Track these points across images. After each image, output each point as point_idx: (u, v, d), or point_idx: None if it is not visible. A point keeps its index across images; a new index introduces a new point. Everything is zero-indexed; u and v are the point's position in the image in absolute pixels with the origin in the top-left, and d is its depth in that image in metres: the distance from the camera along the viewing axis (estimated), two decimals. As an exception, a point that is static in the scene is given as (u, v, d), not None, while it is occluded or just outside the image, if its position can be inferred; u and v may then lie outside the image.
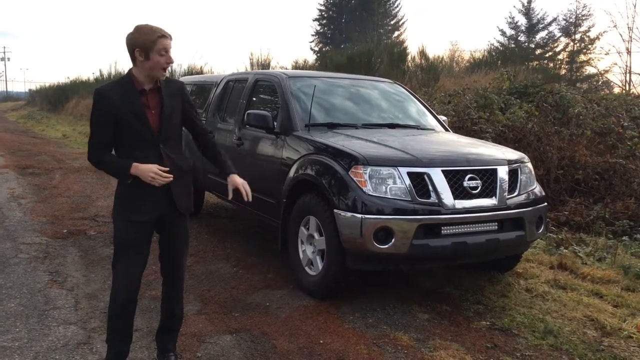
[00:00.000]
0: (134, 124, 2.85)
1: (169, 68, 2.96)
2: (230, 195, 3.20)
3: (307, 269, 4.48)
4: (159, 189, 2.89)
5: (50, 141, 17.74)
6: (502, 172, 4.33)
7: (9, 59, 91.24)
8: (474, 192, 4.15)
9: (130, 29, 2.87)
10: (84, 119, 25.89)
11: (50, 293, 4.32)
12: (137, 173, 2.83)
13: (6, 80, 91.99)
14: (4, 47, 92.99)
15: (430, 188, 4.04)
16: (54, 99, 36.84)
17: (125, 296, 2.95)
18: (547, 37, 34.89)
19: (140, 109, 2.86)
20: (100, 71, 33.24)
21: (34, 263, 5.04)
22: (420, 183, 4.05)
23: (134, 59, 2.85)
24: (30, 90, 58.73)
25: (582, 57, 31.54)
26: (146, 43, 2.80)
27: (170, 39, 2.87)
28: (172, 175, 2.88)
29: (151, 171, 2.82)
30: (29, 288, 4.41)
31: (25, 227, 6.34)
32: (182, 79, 3.35)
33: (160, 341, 3.24)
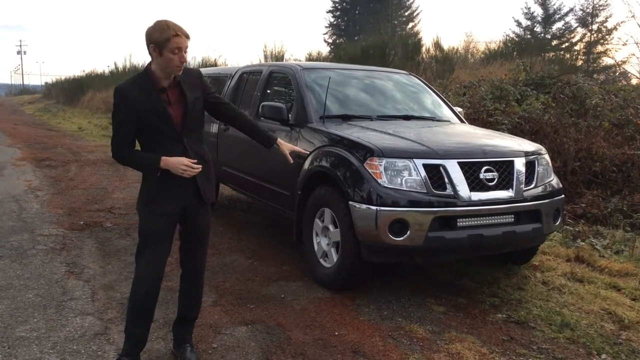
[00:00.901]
0: (156, 121, 2.87)
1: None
2: (292, 160, 3.44)
3: (322, 261, 4.48)
4: (184, 181, 2.92)
5: (66, 134, 17.89)
6: (519, 164, 4.29)
7: (25, 53, 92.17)
8: (490, 184, 4.12)
9: (150, 23, 2.88)
10: (99, 112, 26.10)
11: (67, 284, 4.36)
12: (167, 166, 2.86)
13: (22, 74, 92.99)
14: (20, 41, 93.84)
15: (446, 180, 4.01)
16: (70, 92, 37.14)
17: (149, 286, 2.98)
18: (563, 27, 34.51)
19: (162, 107, 2.87)
20: (115, 64, 33.44)
21: (51, 254, 5.09)
22: (435, 175, 4.03)
23: (150, 53, 2.87)
24: (46, 83, 59.25)
25: (599, 48, 31.13)
26: (160, 40, 2.79)
27: (187, 37, 2.85)
28: (201, 165, 2.91)
29: (182, 164, 2.85)
30: (47, 279, 4.45)
31: (42, 218, 6.41)
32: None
33: (177, 332, 3.27)
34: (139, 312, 3.01)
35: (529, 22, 35.53)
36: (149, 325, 3.09)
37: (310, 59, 19.40)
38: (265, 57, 19.71)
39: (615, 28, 30.61)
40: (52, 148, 13.37)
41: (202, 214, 3.10)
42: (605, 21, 31.80)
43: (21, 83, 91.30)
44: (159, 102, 2.87)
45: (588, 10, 32.61)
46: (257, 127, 3.41)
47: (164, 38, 2.79)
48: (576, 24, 33.72)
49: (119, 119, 2.90)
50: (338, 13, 43.12)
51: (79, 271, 4.67)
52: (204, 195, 3.03)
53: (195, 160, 2.90)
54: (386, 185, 3.98)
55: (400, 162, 4.03)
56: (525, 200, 4.23)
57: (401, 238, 3.88)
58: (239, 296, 4.23)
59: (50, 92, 47.67)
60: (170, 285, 4.27)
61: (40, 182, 8.80)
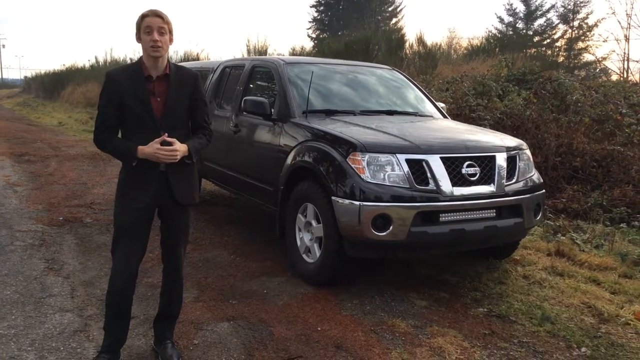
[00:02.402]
0: (137, 109, 2.87)
1: (169, 53, 2.93)
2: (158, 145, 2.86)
3: (304, 256, 4.47)
4: (156, 177, 2.91)
5: (46, 129, 17.65)
6: (501, 159, 4.31)
7: (4, 46, 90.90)
8: (472, 179, 4.13)
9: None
10: (80, 107, 25.77)
11: (46, 280, 4.30)
12: (144, 155, 2.83)
13: (1, 68, 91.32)
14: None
15: (429, 175, 4.02)
16: (50, 86, 36.68)
17: (123, 282, 2.95)
18: (545, 24, 34.76)
19: (145, 95, 2.87)
20: (96, 58, 33.05)
21: (29, 250, 5.01)
22: (418, 170, 4.03)
23: None
24: (25, 77, 58.45)
25: (580, 44, 31.52)
26: (136, 24, 2.89)
27: (158, 17, 2.86)
28: (177, 150, 2.85)
29: (155, 149, 2.82)
30: (25, 276, 4.38)
31: (21, 214, 6.31)
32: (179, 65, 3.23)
33: (158, 328, 3.23)
34: (116, 308, 2.98)
35: (511, 19, 35.76)
36: (127, 321, 3.06)
37: (293, 53, 19.34)
38: (249, 51, 19.62)
39: (596, 25, 30.99)
40: (32, 143, 13.17)
41: (178, 214, 3.06)
42: (586, 18, 32.14)
43: (0, 77, 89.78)
44: (143, 91, 2.87)
45: (569, 6, 32.92)
46: (195, 137, 3.12)
47: (138, 21, 2.88)
48: (557, 21, 34.01)
49: (102, 103, 2.92)
50: (322, 8, 42.99)
51: (58, 267, 4.61)
52: (177, 196, 2.98)
53: (174, 140, 2.85)
54: (369, 180, 3.97)
55: (383, 157, 4.03)
56: (507, 195, 4.25)
57: (384, 233, 3.88)
58: (221, 292, 4.21)
59: (30, 86, 47.04)
60: (150, 282, 4.23)
61: (19, 177, 8.66)
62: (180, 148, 2.88)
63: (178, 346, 3.27)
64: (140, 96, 2.87)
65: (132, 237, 2.95)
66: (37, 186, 7.98)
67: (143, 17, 2.87)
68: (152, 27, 2.83)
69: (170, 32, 2.91)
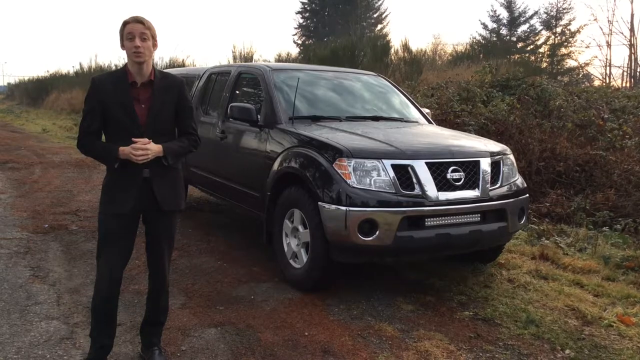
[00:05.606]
0: (120, 115, 2.89)
1: (154, 59, 2.95)
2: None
3: (291, 261, 4.48)
4: (139, 182, 2.91)
5: (30, 135, 17.48)
6: (485, 164, 4.36)
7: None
8: (457, 184, 4.18)
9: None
10: (64, 113, 25.57)
11: (31, 288, 4.27)
12: (125, 156, 2.84)
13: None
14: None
15: (414, 180, 4.06)
16: (34, 92, 36.37)
17: (107, 288, 2.95)
18: (528, 30, 35.16)
19: (128, 101, 2.89)
20: (80, 64, 32.93)
21: (14, 258, 4.97)
22: (404, 175, 4.07)
23: None
24: (9, 84, 57.82)
25: (563, 50, 31.91)
26: (119, 31, 2.91)
27: (139, 22, 2.88)
28: (149, 149, 2.84)
29: (132, 150, 2.82)
30: (10, 283, 4.35)
31: (6, 222, 6.26)
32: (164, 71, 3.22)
33: (145, 335, 3.23)
34: (101, 314, 2.99)
35: (495, 25, 36.11)
36: (113, 328, 3.06)
37: (279, 59, 19.39)
38: (234, 57, 19.64)
39: (578, 31, 31.43)
40: (16, 150, 13.05)
41: (163, 220, 3.06)
42: (569, 24, 32.57)
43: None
44: (127, 97, 2.89)
45: (552, 13, 33.34)
46: (177, 141, 3.12)
47: (120, 28, 2.90)
48: (541, 27, 34.42)
49: (87, 108, 2.94)
50: (307, 14, 43.11)
51: (44, 275, 4.58)
52: (161, 202, 2.98)
53: (148, 141, 2.86)
54: (355, 186, 4.00)
55: (369, 163, 4.07)
56: (491, 199, 4.30)
57: (370, 238, 3.91)
58: (208, 298, 4.21)
59: (14, 93, 46.60)
60: (137, 288, 4.22)
61: (3, 184, 8.58)
62: (152, 148, 2.87)
63: (165, 353, 3.27)
64: (124, 102, 2.88)
65: (115, 243, 2.95)
66: (21, 194, 7.91)
67: (125, 24, 2.89)
68: (134, 33, 2.85)
69: (154, 37, 2.93)
